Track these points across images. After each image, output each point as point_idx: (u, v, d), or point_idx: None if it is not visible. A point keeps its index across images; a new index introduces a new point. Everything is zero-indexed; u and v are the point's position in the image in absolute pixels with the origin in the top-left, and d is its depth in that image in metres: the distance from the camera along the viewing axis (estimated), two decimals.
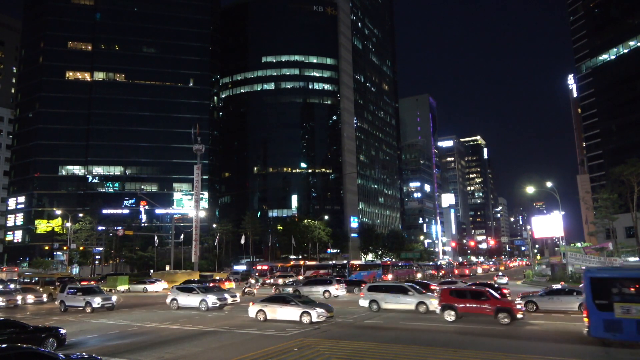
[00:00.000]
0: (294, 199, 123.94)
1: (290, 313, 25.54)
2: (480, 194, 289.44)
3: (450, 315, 25.02)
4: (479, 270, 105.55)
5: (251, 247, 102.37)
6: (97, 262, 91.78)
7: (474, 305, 25.02)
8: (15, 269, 79.83)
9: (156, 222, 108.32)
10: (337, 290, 42.62)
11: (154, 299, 44.94)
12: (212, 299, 33.54)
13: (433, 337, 20.33)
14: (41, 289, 47.24)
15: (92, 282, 62.09)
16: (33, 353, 12.69)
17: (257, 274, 73.79)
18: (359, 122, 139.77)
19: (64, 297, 35.37)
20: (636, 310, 16.64)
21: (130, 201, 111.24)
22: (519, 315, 24.37)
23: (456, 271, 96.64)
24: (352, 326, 24.01)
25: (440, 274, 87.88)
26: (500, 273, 77.66)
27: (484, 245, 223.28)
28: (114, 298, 36.13)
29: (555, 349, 17.65)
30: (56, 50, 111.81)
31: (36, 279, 53.68)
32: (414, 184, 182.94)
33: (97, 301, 33.86)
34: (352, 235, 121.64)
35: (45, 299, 44.12)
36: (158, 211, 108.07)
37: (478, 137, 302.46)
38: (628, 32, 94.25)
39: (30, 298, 43.01)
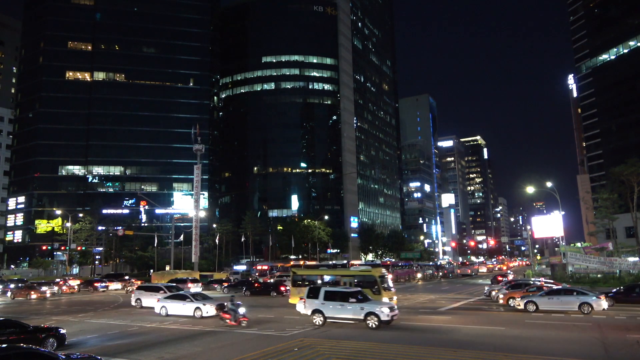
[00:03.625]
0: (294, 199, 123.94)
1: None
2: (480, 194, 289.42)
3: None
4: (483, 270, 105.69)
5: (251, 247, 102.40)
6: (97, 262, 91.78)
7: None
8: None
9: (156, 222, 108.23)
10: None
11: None
12: None
13: (433, 337, 20.33)
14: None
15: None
16: (33, 353, 12.69)
17: (257, 274, 73.81)
18: (359, 122, 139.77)
19: (318, 304, 24.74)
20: None
21: (130, 201, 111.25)
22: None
23: (458, 271, 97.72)
24: (352, 326, 24.01)
25: (442, 273, 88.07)
26: (508, 271, 79.88)
27: (484, 245, 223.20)
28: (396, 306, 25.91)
29: (555, 348, 17.64)
30: (56, 50, 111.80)
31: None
32: (414, 184, 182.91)
33: (385, 312, 23.02)
34: (352, 235, 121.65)
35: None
36: (158, 211, 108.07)
37: (478, 137, 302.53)
38: (628, 32, 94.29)
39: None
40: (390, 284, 30.85)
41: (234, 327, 24.33)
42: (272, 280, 53.46)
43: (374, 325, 22.92)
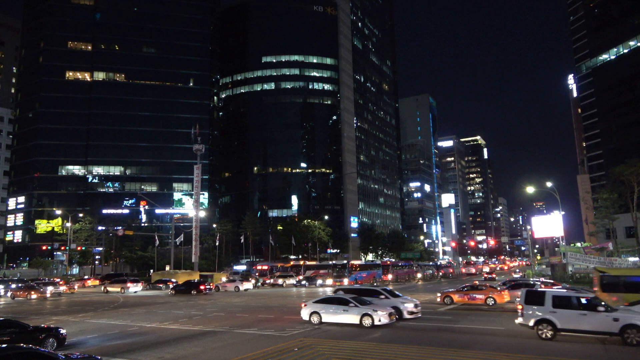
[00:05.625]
0: (294, 199, 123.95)
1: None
2: (480, 194, 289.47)
3: None
4: (486, 269, 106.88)
5: (251, 247, 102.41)
6: (97, 262, 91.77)
7: None
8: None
9: (156, 222, 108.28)
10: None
11: None
12: None
13: (433, 337, 20.32)
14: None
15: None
16: (33, 353, 12.66)
17: (257, 274, 73.84)
18: (359, 122, 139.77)
19: (545, 312, 19.64)
20: None
21: (130, 201, 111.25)
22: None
23: (463, 270, 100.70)
24: (352, 326, 23.99)
25: (441, 273, 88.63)
26: (517, 270, 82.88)
27: (484, 245, 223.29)
28: None
29: (555, 348, 17.63)
30: (56, 50, 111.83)
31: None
32: (414, 184, 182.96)
33: None
34: (352, 235, 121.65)
35: None
36: (158, 211, 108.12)
37: (478, 137, 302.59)
38: (628, 32, 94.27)
39: None
40: None
41: (234, 327, 24.31)
42: (195, 280, 55.93)
43: (635, 342, 17.97)
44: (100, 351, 18.43)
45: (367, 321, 22.77)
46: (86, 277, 74.35)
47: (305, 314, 24.92)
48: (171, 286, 53.68)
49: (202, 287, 49.82)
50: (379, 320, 22.60)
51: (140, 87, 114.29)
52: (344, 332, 21.63)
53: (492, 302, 32.88)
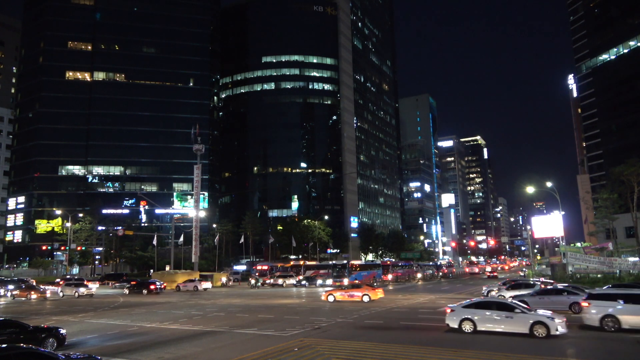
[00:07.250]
0: (294, 199, 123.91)
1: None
2: (480, 194, 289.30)
3: None
4: (488, 269, 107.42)
5: (251, 247, 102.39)
6: (97, 262, 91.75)
7: None
8: None
9: (156, 222, 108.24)
10: None
11: None
12: None
13: (433, 337, 20.31)
14: None
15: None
16: (33, 353, 12.68)
17: (257, 273, 73.84)
18: (359, 122, 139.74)
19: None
20: None
21: (130, 201, 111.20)
22: None
23: (466, 269, 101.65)
24: (352, 326, 24.00)
25: (452, 272, 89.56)
26: (523, 269, 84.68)
27: (484, 245, 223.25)
28: None
29: (555, 348, 17.62)
30: (56, 50, 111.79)
31: None
32: (414, 184, 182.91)
33: None
34: (352, 235, 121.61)
35: None
36: (158, 211, 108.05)
37: (478, 137, 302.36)
38: (628, 32, 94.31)
39: None
40: None
41: (234, 327, 24.30)
42: (148, 280, 58.38)
43: None
44: (100, 351, 18.43)
45: (540, 331, 19.23)
46: (68, 277, 74.82)
47: (453, 320, 21.18)
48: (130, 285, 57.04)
49: (152, 287, 53.90)
50: (556, 330, 18.94)
51: (140, 87, 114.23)
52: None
53: (367, 299, 33.74)
